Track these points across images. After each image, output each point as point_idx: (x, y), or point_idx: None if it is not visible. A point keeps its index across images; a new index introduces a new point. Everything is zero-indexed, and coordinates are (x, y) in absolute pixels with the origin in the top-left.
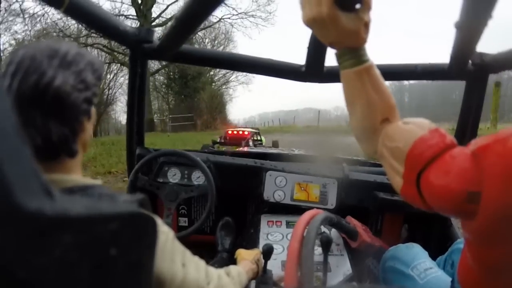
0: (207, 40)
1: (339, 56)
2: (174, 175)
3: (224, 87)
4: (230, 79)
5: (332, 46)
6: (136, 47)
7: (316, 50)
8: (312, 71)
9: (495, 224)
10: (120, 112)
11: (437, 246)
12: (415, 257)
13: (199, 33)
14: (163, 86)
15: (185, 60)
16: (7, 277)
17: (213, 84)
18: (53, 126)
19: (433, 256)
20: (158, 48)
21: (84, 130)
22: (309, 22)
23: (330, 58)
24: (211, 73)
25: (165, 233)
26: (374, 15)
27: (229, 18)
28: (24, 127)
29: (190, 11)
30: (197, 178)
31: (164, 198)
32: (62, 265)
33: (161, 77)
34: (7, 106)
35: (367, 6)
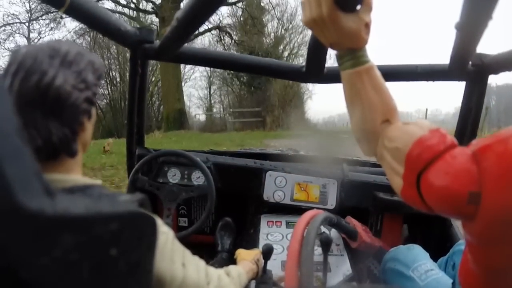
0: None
1: (339, 57)
2: (174, 175)
3: None
4: None
5: (333, 47)
6: (137, 48)
7: (316, 51)
8: (313, 71)
9: (496, 226)
10: (193, 107)
11: (437, 247)
12: (416, 258)
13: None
14: (230, 75)
15: (186, 60)
16: (8, 277)
17: None
18: (54, 125)
19: (434, 257)
20: (159, 49)
21: (84, 130)
22: (309, 23)
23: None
24: (285, 58)
25: (165, 233)
26: (375, 16)
27: None
28: (24, 127)
29: (191, 12)
30: (197, 178)
31: (164, 198)
32: (63, 265)
33: None
34: (8, 106)
35: (367, 7)
